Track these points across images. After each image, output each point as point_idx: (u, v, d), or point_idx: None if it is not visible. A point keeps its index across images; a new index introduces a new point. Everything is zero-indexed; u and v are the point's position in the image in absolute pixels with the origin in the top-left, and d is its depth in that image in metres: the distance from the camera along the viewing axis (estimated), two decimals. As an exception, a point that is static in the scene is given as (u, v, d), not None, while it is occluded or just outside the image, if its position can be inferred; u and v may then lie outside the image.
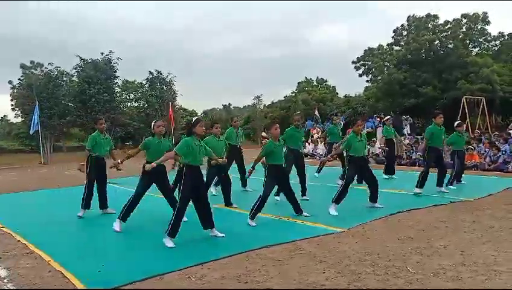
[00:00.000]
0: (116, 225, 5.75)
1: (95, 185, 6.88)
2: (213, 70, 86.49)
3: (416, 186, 7.68)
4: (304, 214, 6.19)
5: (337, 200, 6.37)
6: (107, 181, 7.14)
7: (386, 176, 10.09)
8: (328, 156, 7.39)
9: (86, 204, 6.81)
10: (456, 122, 8.94)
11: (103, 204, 7.00)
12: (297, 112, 8.82)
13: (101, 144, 6.83)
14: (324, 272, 3.88)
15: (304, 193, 7.55)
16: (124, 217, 5.78)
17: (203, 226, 5.24)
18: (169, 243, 4.88)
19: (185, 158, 5.02)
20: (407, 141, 14.77)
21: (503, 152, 11.42)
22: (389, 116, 11.42)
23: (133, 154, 6.17)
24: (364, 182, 8.19)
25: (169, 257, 4.56)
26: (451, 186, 8.28)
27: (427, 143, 7.82)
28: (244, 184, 8.87)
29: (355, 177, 7.07)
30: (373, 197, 6.64)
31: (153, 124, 6.12)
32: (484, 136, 14.30)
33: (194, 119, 5.26)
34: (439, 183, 7.83)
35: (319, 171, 10.79)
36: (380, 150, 13.36)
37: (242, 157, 8.73)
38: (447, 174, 8.00)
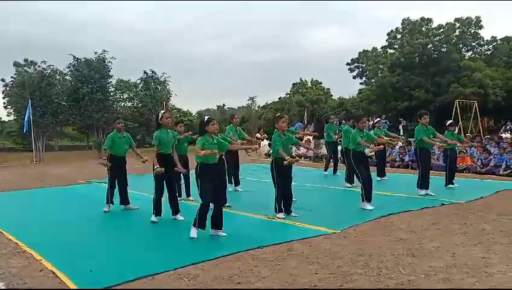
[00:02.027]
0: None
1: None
2: (207, 71, 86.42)
3: (419, 188, 7.79)
4: (293, 214, 6.21)
5: (367, 197, 6.63)
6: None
7: (379, 178, 10.07)
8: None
9: (109, 199, 6.95)
10: (448, 122, 9.02)
11: (123, 200, 7.12)
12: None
13: (119, 144, 6.95)
14: (316, 273, 3.89)
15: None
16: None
17: (211, 224, 5.21)
18: (193, 233, 5.07)
19: (198, 157, 5.04)
20: (400, 144, 14.87)
21: (494, 155, 11.54)
22: (378, 119, 11.57)
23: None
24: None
25: (162, 257, 4.55)
26: (451, 186, 8.53)
27: (416, 144, 8.01)
28: (236, 183, 8.84)
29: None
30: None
31: (160, 114, 6.24)
32: (476, 140, 14.43)
33: (205, 118, 5.29)
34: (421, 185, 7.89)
35: (326, 169, 11.33)
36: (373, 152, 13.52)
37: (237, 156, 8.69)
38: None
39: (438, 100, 24.81)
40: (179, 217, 6.13)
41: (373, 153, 9.66)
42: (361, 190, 6.72)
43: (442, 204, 6.97)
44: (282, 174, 6.13)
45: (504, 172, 10.75)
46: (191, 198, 7.65)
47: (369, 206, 6.59)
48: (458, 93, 22.91)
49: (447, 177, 8.68)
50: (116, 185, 7.02)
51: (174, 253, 4.67)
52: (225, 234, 5.22)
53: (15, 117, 25.42)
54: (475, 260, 4.15)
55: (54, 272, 4.06)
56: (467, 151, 12.26)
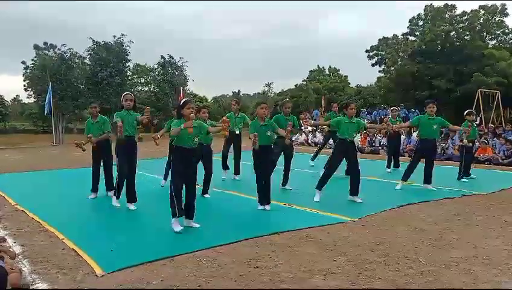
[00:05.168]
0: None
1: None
2: (223, 57, 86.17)
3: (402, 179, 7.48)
4: (266, 207, 5.86)
5: (319, 184, 6.44)
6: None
7: (389, 170, 9.79)
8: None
9: (93, 188, 6.86)
10: (466, 111, 8.67)
11: (108, 186, 6.95)
12: (287, 99, 8.31)
13: (90, 129, 6.93)
14: (335, 260, 3.88)
15: (285, 183, 7.37)
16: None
17: (184, 213, 4.95)
18: (176, 227, 4.85)
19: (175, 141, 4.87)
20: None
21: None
22: (394, 108, 11.22)
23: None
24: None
25: (181, 239, 4.59)
26: (463, 180, 8.21)
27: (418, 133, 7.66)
28: (236, 172, 8.44)
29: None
30: (353, 190, 6.41)
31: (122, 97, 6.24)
32: (498, 131, 14.09)
33: (182, 101, 4.99)
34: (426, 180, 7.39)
35: (313, 159, 10.66)
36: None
37: (239, 144, 8.37)
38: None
39: (459, 90, 24.23)
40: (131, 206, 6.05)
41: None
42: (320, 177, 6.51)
43: (463, 195, 6.86)
44: (260, 163, 5.82)
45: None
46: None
47: (317, 197, 6.38)
48: (481, 83, 22.31)
49: (461, 170, 8.41)
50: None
51: (192, 236, 4.71)
52: (198, 225, 5.00)
53: (35, 99, 25.78)
54: (497, 252, 4.09)
55: (76, 251, 4.14)
56: (488, 142, 12.00)
